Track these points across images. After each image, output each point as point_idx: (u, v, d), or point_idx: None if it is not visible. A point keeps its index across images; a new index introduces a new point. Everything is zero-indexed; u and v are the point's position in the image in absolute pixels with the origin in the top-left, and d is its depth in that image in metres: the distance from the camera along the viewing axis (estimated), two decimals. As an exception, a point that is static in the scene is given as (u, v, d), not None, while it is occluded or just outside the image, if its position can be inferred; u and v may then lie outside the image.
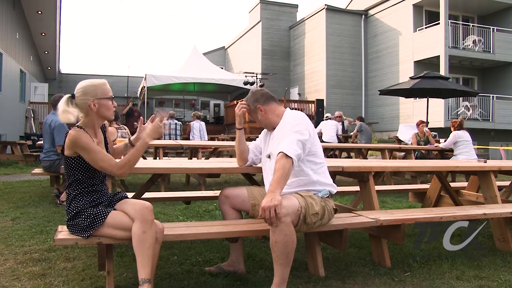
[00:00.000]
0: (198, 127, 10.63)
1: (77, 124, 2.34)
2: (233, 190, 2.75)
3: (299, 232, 2.44)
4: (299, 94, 21.19)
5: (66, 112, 2.31)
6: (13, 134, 12.94)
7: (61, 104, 2.32)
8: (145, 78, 16.62)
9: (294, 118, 2.55)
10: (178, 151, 10.30)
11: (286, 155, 2.30)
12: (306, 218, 2.35)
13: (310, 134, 2.50)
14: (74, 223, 2.24)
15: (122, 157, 2.43)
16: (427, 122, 10.66)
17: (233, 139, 13.76)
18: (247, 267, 2.73)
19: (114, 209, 2.32)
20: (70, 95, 2.35)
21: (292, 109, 2.82)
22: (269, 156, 2.63)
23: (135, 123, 3.02)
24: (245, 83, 16.97)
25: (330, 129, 11.00)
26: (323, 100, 17.70)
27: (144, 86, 16.69)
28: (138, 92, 18.99)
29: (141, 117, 2.54)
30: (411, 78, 11.14)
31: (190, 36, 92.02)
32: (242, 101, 2.77)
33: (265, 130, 2.82)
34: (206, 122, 12.99)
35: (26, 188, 6.19)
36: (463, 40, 16.51)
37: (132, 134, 2.86)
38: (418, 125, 8.56)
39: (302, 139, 2.42)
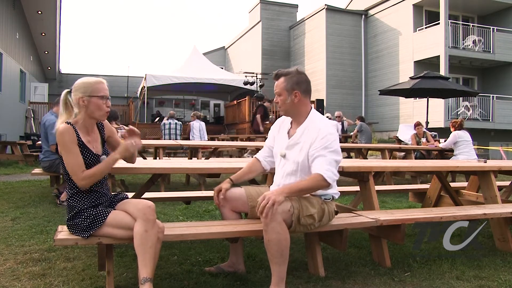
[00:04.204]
0: (198, 127, 10.64)
1: (68, 120, 2.31)
2: (232, 193, 2.65)
3: (296, 233, 2.44)
4: (299, 94, 21.16)
5: (61, 114, 2.34)
6: (13, 134, 12.95)
7: (61, 100, 2.35)
8: (145, 78, 16.62)
9: (328, 132, 2.43)
10: (177, 151, 10.30)
11: (325, 179, 2.33)
12: (300, 219, 2.35)
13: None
14: (74, 223, 2.24)
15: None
16: (427, 122, 10.67)
17: (233, 139, 13.73)
18: (247, 267, 2.73)
19: (115, 210, 2.31)
20: (68, 90, 2.37)
21: None
22: (284, 156, 2.57)
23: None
24: (245, 83, 16.97)
25: (330, 129, 10.97)
26: (323, 100, 17.68)
27: (144, 86, 16.69)
28: (138, 92, 18.99)
29: (127, 127, 2.40)
30: (411, 78, 11.14)
31: (190, 36, 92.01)
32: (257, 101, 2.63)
33: (276, 125, 2.74)
34: (206, 122, 13.01)
35: (26, 188, 6.19)
36: (463, 40, 16.51)
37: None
38: (416, 126, 8.57)
39: (338, 159, 2.43)
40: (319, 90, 19.27)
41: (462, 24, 16.79)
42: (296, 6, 22.75)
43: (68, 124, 2.26)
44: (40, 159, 5.31)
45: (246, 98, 17.16)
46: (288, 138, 2.59)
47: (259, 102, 13.25)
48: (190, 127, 10.73)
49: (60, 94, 2.39)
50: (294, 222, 2.34)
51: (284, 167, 2.55)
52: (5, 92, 12.49)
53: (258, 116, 12.25)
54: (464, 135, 7.37)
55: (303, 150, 2.46)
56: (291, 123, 2.64)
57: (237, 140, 12.42)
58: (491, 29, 16.67)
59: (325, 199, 2.51)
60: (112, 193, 2.50)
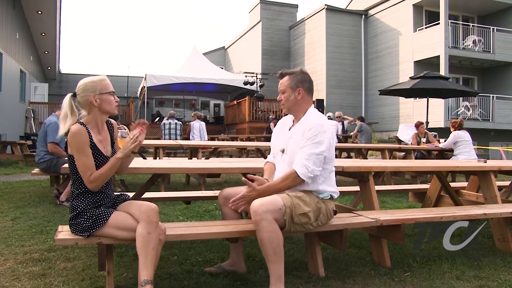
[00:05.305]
0: (198, 127, 10.64)
1: (80, 120, 2.34)
2: (233, 192, 2.67)
3: (294, 233, 2.44)
4: (299, 94, 21.16)
5: (64, 118, 2.32)
6: (13, 134, 12.94)
7: (65, 104, 2.35)
8: (145, 78, 16.63)
9: (316, 123, 2.46)
10: (177, 151, 10.29)
11: (298, 176, 2.37)
12: (293, 218, 2.35)
13: (330, 143, 2.48)
14: (76, 223, 2.24)
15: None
16: (427, 122, 10.67)
17: (233, 139, 13.74)
18: (247, 267, 2.73)
19: (117, 211, 2.31)
20: (72, 93, 2.38)
21: None
22: (283, 151, 2.60)
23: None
24: (245, 83, 16.98)
25: (330, 129, 11.00)
26: (323, 100, 17.70)
27: (144, 86, 16.70)
28: (138, 92, 19.01)
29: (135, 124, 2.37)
30: (411, 78, 11.14)
31: (190, 36, 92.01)
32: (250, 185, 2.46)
33: (279, 125, 2.78)
34: (206, 122, 13.02)
35: (26, 188, 6.19)
36: (463, 40, 16.51)
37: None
38: (417, 126, 8.57)
39: (319, 151, 2.40)
40: (319, 90, 19.28)
41: (462, 24, 16.79)
42: (296, 6, 22.77)
43: (80, 124, 2.28)
44: (36, 161, 5.28)
45: (246, 98, 17.17)
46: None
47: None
48: (190, 127, 10.74)
49: (60, 94, 2.39)
50: (287, 221, 2.34)
51: (284, 161, 2.58)
52: (5, 92, 12.49)
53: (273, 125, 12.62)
54: (464, 135, 7.37)
55: (296, 143, 2.50)
56: (293, 121, 2.68)
57: (237, 140, 12.42)
58: (491, 29, 16.67)
59: (322, 197, 2.51)
60: (115, 194, 2.50)
